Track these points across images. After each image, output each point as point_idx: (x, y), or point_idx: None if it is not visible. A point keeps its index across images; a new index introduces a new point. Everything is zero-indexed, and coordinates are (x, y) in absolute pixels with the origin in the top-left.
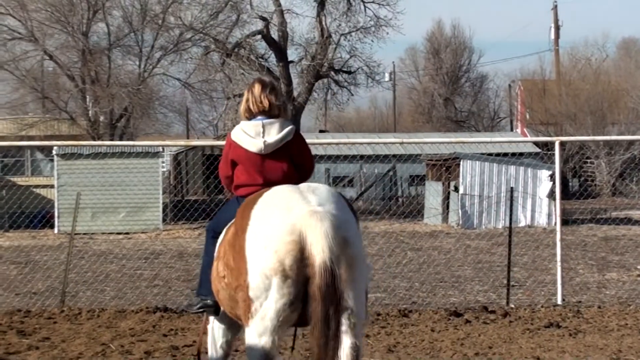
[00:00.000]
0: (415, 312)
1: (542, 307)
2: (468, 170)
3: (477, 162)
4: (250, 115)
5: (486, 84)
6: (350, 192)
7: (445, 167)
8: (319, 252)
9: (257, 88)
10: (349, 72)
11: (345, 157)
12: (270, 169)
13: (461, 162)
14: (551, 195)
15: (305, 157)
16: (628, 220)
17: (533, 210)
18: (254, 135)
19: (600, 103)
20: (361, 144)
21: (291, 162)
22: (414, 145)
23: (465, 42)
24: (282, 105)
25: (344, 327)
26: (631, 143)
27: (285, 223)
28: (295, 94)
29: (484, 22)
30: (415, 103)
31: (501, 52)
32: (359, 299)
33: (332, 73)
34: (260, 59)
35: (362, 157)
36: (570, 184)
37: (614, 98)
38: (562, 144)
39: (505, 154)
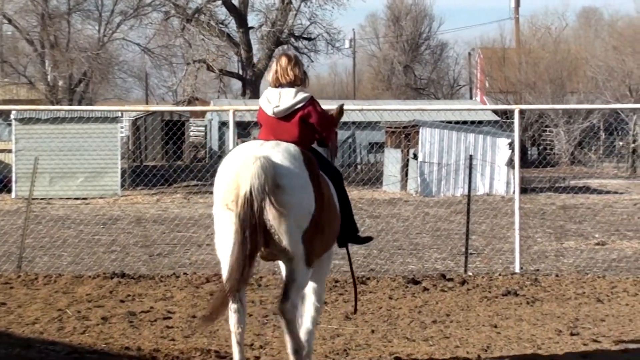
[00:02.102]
0: (373, 279)
1: (500, 275)
2: (427, 138)
3: (437, 129)
4: (278, 85)
5: (446, 51)
6: None
7: (405, 135)
8: (243, 186)
9: (283, 62)
10: (309, 39)
11: None
12: (281, 131)
13: (420, 130)
14: (510, 163)
15: (318, 122)
16: (586, 189)
17: (492, 179)
18: (271, 101)
19: (559, 72)
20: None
21: (303, 126)
22: (374, 112)
23: (426, 10)
24: (303, 77)
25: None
26: (590, 112)
27: (229, 167)
28: (255, 60)
29: None
30: (375, 70)
31: (461, 20)
32: (293, 241)
33: (292, 39)
34: (220, 25)
35: None
36: (529, 152)
37: (573, 67)
38: (521, 112)
39: (465, 122)
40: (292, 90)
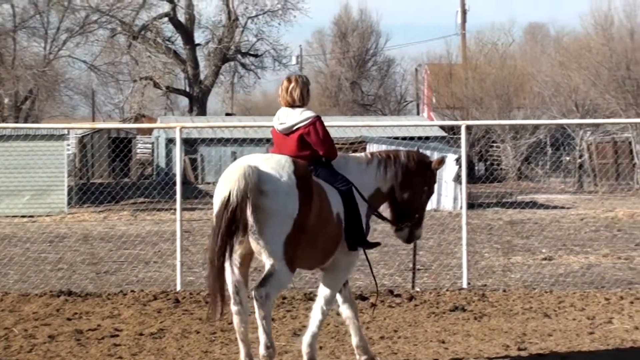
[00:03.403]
0: None
1: (447, 290)
2: None
3: (384, 145)
4: (285, 105)
5: (393, 67)
6: None
7: (352, 151)
8: (225, 189)
9: (284, 84)
10: (256, 56)
11: (252, 140)
12: (284, 145)
13: (367, 146)
14: (457, 179)
15: (316, 140)
16: (533, 204)
17: (439, 194)
18: (280, 119)
19: (506, 87)
20: (268, 127)
21: (302, 142)
22: None
23: (372, 26)
24: (301, 98)
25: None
26: (536, 127)
27: (222, 177)
28: (202, 77)
29: (391, 5)
30: (322, 87)
31: (408, 36)
32: (273, 242)
33: (239, 56)
34: (167, 42)
35: (268, 140)
36: (476, 167)
37: (519, 82)
38: (468, 127)
39: (412, 138)
40: (299, 110)
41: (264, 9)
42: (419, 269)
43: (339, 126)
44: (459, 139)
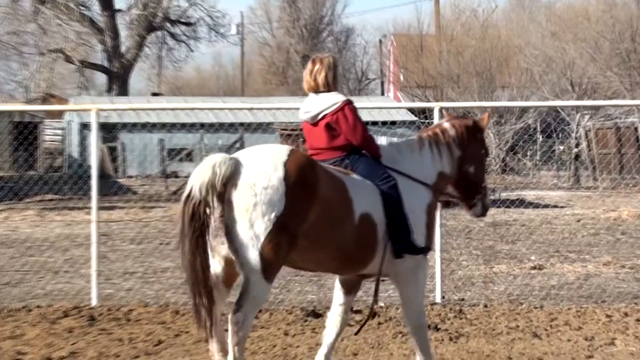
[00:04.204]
0: (266, 311)
1: None
2: None
3: None
4: (310, 91)
5: (353, 38)
6: (189, 168)
7: (303, 138)
8: (188, 183)
9: (308, 68)
10: (188, 24)
11: (183, 125)
12: (312, 136)
13: None
14: None
15: (346, 129)
16: (520, 203)
17: None
18: (305, 107)
19: (488, 62)
20: (202, 109)
21: (330, 131)
22: (265, 111)
23: None
24: (331, 81)
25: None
26: (524, 110)
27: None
28: (123, 49)
29: None
30: (268, 61)
31: (371, 1)
32: (243, 246)
33: (168, 24)
34: (80, 7)
35: (203, 125)
36: None
37: (504, 57)
38: (442, 110)
39: (375, 122)
40: (325, 95)
41: None
42: (383, 280)
43: (287, 108)
44: (432, 123)
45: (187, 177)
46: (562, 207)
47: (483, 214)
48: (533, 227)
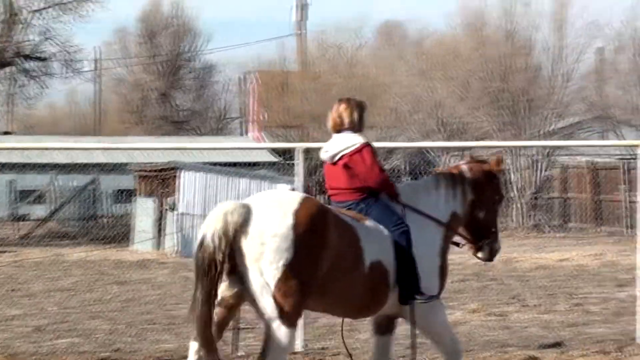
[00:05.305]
0: None
1: None
2: (188, 184)
3: (200, 173)
4: (333, 129)
5: (213, 75)
6: (40, 211)
7: (160, 180)
8: (201, 232)
9: (334, 107)
10: (42, 59)
11: (35, 166)
12: (332, 177)
13: (180, 174)
14: None
15: (363, 170)
16: None
17: None
18: (325, 148)
19: None
20: (55, 149)
21: (348, 172)
22: (121, 152)
23: (188, 24)
24: (357, 121)
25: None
26: (391, 151)
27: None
28: None
29: None
30: (124, 99)
31: (234, 37)
32: (256, 293)
33: (20, 60)
34: None
35: (55, 166)
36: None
37: (371, 95)
38: (306, 151)
39: (236, 164)
40: (345, 135)
41: (53, 0)
42: (243, 328)
43: (144, 149)
44: (295, 165)
45: (39, 220)
46: None
47: (490, 258)
48: None
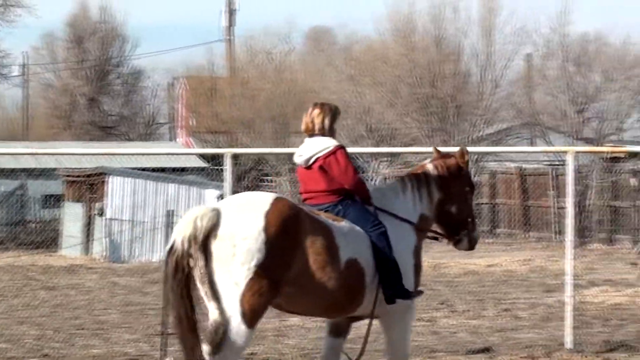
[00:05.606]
0: None
1: None
2: (117, 189)
3: (129, 178)
4: (305, 132)
5: (142, 81)
6: None
7: (89, 185)
8: (171, 237)
9: (308, 111)
10: None
11: None
12: (307, 180)
13: (108, 179)
14: None
15: (337, 172)
16: None
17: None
18: (298, 152)
19: (282, 107)
20: None
21: (324, 175)
22: (50, 157)
23: (116, 29)
24: (327, 126)
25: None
26: None
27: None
28: None
29: (140, 3)
30: (52, 104)
31: (162, 42)
32: (224, 293)
33: None
34: None
35: None
36: None
37: (299, 101)
38: (234, 157)
39: (164, 169)
40: (318, 139)
41: None
42: (171, 334)
43: (72, 154)
44: (223, 170)
45: None
46: None
47: (471, 247)
48: None
